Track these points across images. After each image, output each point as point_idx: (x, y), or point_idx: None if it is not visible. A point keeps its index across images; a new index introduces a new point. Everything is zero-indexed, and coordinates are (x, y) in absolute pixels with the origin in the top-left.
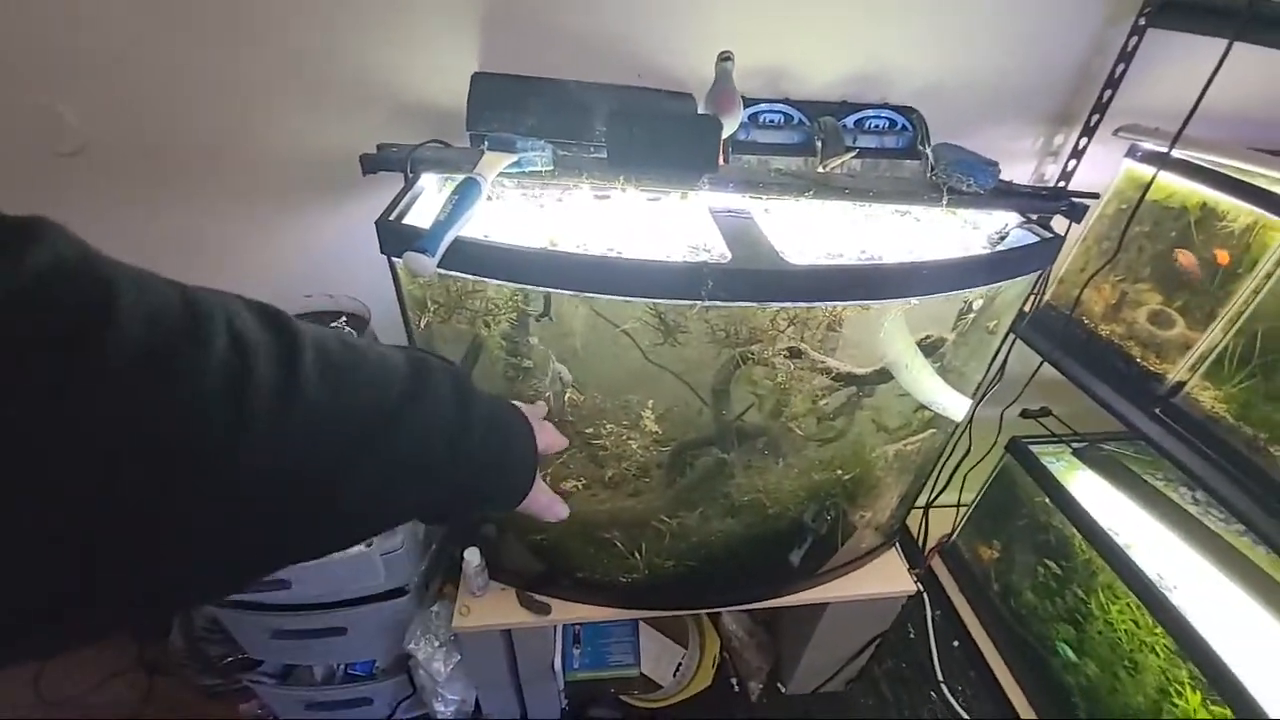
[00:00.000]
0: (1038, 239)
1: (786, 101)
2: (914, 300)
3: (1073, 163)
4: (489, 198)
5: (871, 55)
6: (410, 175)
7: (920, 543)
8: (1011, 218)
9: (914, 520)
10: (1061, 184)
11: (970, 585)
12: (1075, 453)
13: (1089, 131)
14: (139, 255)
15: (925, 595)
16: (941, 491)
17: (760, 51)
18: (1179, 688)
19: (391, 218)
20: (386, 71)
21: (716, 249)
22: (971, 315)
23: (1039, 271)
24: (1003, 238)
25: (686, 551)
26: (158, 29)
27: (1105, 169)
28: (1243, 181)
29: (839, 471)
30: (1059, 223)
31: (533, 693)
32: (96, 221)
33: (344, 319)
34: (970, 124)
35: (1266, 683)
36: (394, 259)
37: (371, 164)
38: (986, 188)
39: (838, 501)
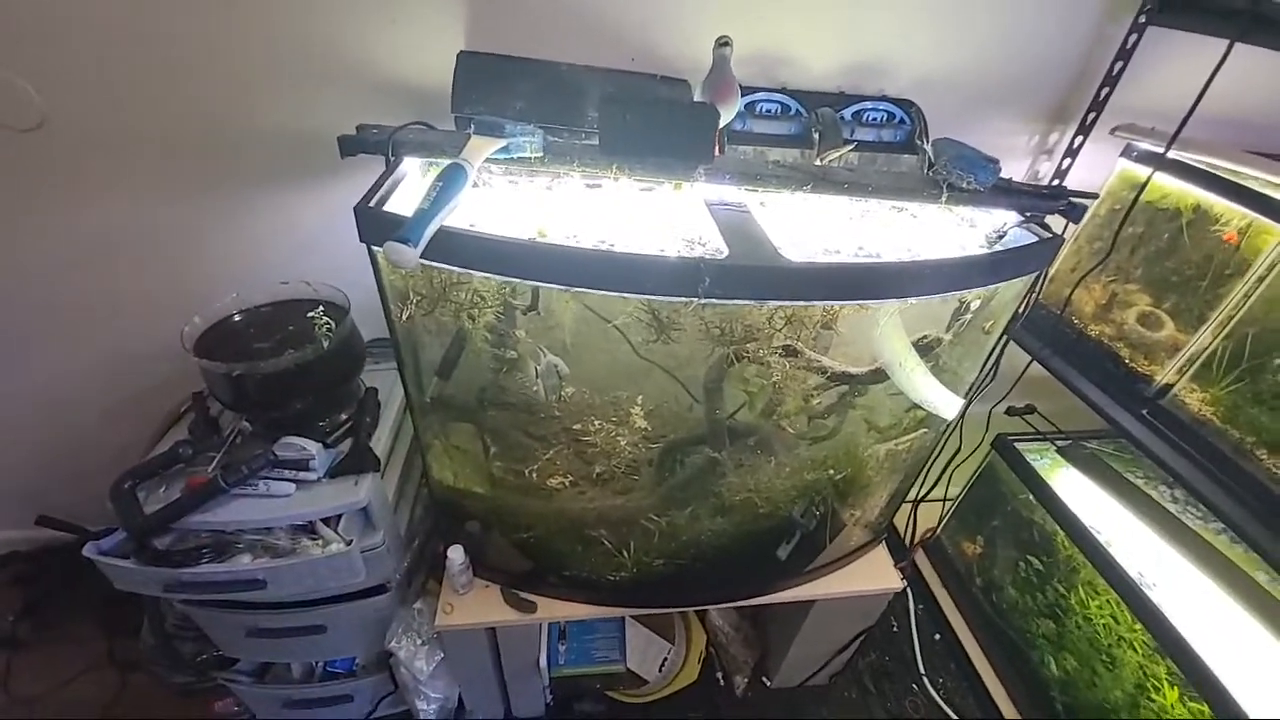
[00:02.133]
0: (1036, 239)
1: (784, 91)
2: (912, 300)
3: (1067, 161)
4: (474, 184)
5: (870, 43)
6: (391, 159)
7: (909, 537)
8: (1010, 216)
9: (901, 515)
10: (1056, 182)
11: (953, 580)
12: (1059, 450)
13: (1085, 129)
14: (104, 240)
15: (909, 589)
16: (932, 488)
17: (757, 36)
18: (1156, 684)
19: (372, 204)
20: (367, 48)
21: (712, 243)
22: (969, 316)
23: (1037, 272)
24: (1001, 237)
25: (675, 550)
26: None
27: (1100, 168)
28: (1237, 184)
29: (830, 471)
30: (1056, 222)
31: (517, 690)
32: (59, 203)
33: (320, 308)
34: (964, 118)
35: (1242, 679)
36: (374, 248)
37: (350, 146)
38: (986, 185)
39: (828, 500)
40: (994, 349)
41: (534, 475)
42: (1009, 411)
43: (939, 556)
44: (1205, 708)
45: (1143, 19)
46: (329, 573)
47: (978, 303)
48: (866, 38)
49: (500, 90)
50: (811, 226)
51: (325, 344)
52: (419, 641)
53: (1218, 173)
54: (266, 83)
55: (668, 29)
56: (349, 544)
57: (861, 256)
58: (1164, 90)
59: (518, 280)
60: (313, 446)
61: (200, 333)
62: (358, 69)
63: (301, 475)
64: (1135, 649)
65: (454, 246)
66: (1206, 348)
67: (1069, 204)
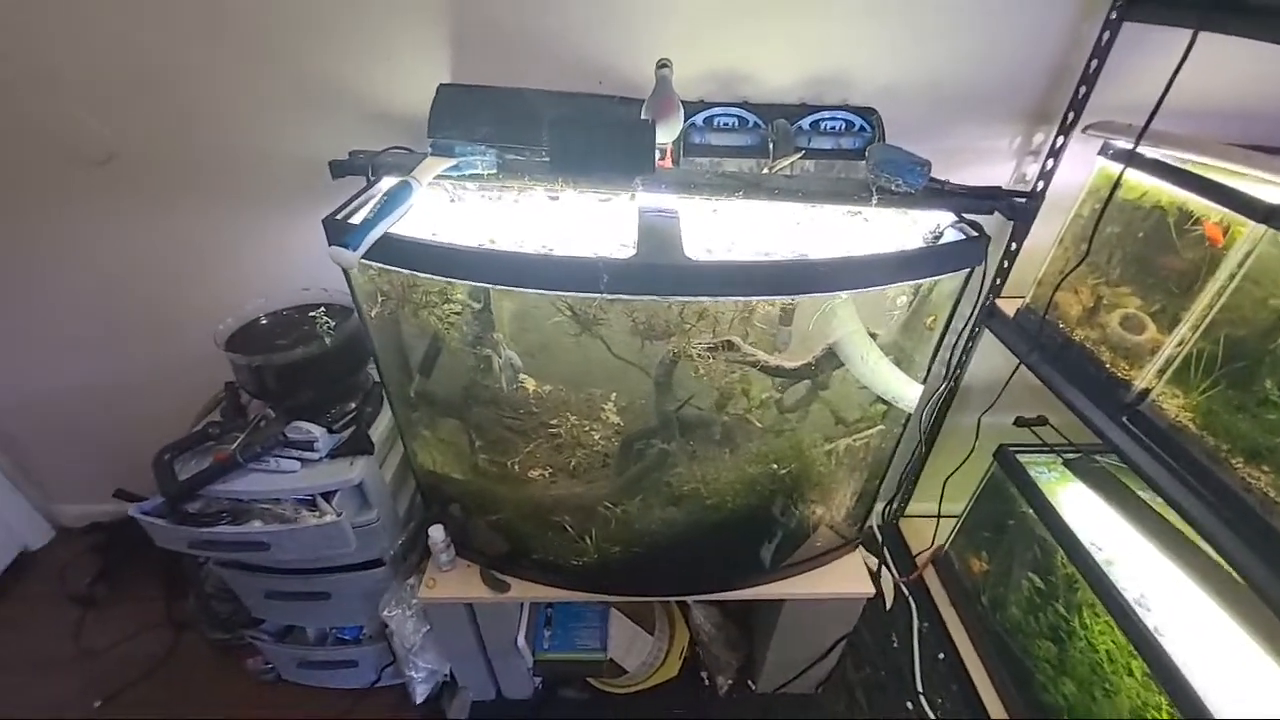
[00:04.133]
0: (965, 237)
1: (744, 105)
2: (842, 294)
3: (1050, 161)
4: (452, 200)
5: (832, 57)
6: (371, 178)
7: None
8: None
9: (909, 528)
10: (1041, 183)
11: (961, 597)
12: (1067, 464)
13: (1066, 129)
14: (162, 254)
15: (914, 606)
16: (940, 502)
17: (718, 56)
18: (1156, 713)
19: (339, 216)
20: (366, 82)
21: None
22: (897, 312)
23: (968, 269)
24: (937, 237)
25: (631, 538)
26: (180, 48)
27: (1085, 167)
28: (1208, 180)
29: (774, 465)
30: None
31: (502, 668)
32: (123, 225)
33: (323, 310)
34: (944, 124)
35: (1238, 707)
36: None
37: (340, 169)
38: (917, 187)
39: (778, 495)
40: (953, 345)
41: (514, 467)
42: (1017, 422)
43: (947, 573)
44: None
45: (1114, 15)
46: (323, 540)
47: (904, 298)
48: (827, 50)
49: (470, 116)
50: (759, 231)
51: (327, 341)
52: (408, 613)
53: (1193, 168)
54: (295, 119)
55: (631, 53)
56: (339, 515)
57: (794, 257)
58: (1142, 86)
59: (445, 279)
60: (318, 430)
61: (231, 332)
62: (365, 105)
63: (306, 455)
64: (1134, 675)
65: (395, 250)
66: (1181, 350)
67: (1009, 204)
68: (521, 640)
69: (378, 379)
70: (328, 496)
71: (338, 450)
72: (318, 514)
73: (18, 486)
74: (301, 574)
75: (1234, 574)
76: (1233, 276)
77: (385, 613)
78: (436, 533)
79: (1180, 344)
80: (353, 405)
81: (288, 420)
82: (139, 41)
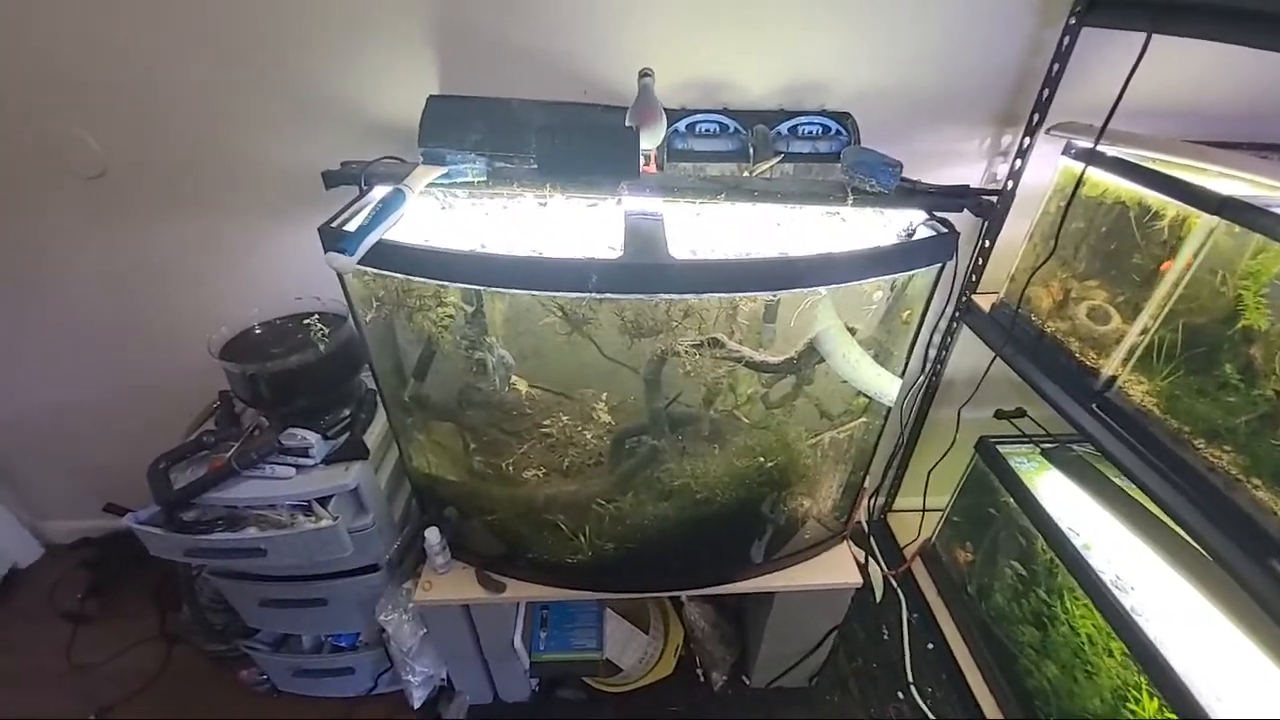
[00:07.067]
0: (935, 234)
1: (725, 111)
2: (822, 290)
3: (1018, 161)
4: (443, 207)
5: (809, 64)
6: (364, 187)
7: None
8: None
9: (898, 522)
10: (1010, 182)
11: (948, 588)
12: (1044, 453)
13: (1031, 130)
14: (154, 266)
15: (903, 598)
16: (925, 495)
17: (700, 64)
18: (1136, 694)
19: (334, 224)
20: (363, 98)
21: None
22: (874, 307)
23: (939, 265)
24: (910, 234)
25: (625, 534)
26: (172, 61)
27: (1052, 166)
28: (1163, 175)
29: (762, 459)
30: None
31: (499, 671)
32: (120, 239)
33: (316, 317)
34: (914, 128)
35: (1213, 684)
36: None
37: (332, 179)
38: (889, 188)
39: (767, 489)
40: (928, 340)
41: (508, 467)
42: (997, 414)
43: (935, 565)
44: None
45: (1073, 20)
46: (318, 545)
47: (880, 294)
48: (804, 58)
49: (460, 126)
50: (739, 232)
51: (321, 348)
52: (405, 616)
53: (1150, 164)
54: (287, 131)
55: (615, 63)
56: (335, 520)
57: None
58: (1102, 88)
59: (439, 282)
60: (313, 437)
61: (226, 341)
62: (349, 113)
63: (302, 461)
64: (1114, 656)
65: (390, 255)
66: (1144, 339)
67: (977, 201)
68: (518, 641)
69: (372, 385)
70: (323, 502)
71: (333, 456)
72: (314, 519)
73: (5, 504)
74: (297, 581)
75: (1203, 551)
76: (1189, 267)
77: (382, 617)
78: (432, 535)
79: (1144, 332)
80: (347, 411)
81: (283, 427)
82: (130, 54)
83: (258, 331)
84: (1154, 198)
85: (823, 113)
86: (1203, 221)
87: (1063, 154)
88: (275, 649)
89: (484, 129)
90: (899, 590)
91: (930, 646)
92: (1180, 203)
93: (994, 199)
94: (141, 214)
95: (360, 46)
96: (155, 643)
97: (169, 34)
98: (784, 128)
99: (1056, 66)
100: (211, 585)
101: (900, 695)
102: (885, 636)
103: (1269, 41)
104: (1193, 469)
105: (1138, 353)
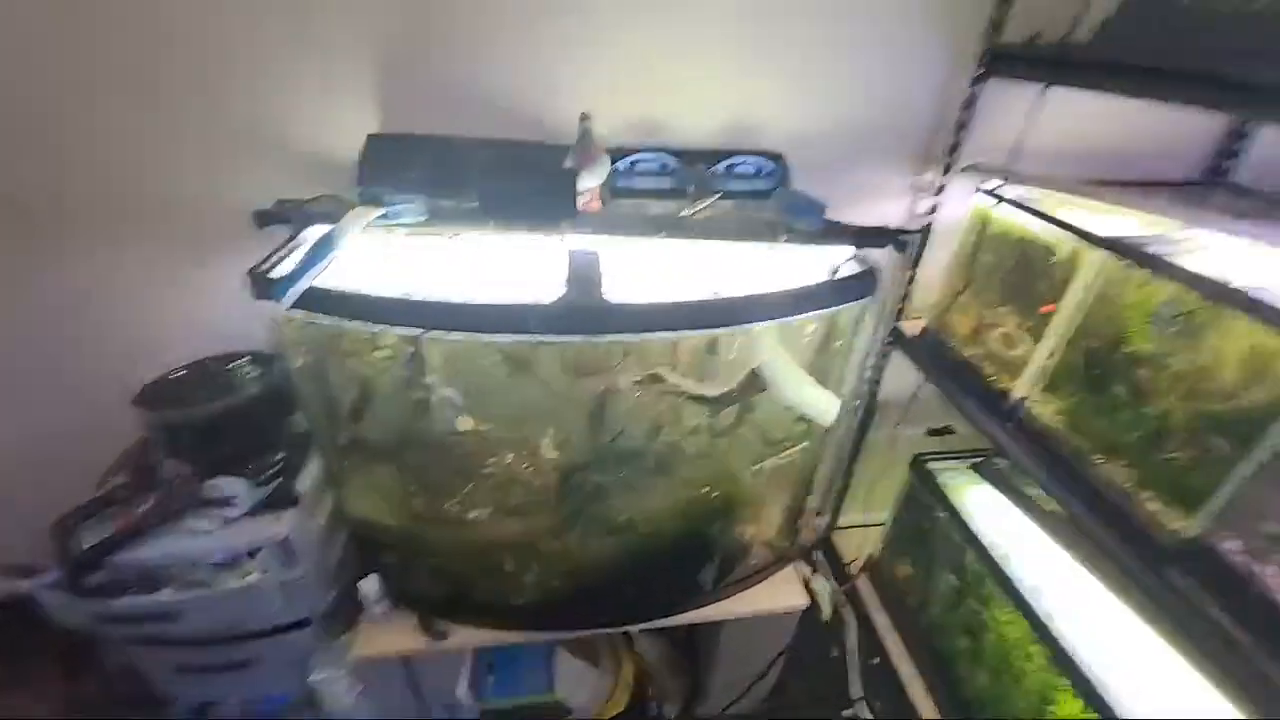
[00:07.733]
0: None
1: (665, 150)
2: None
3: (938, 198)
4: (383, 246)
5: (745, 107)
6: (297, 228)
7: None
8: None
9: (842, 541)
10: (930, 219)
11: (892, 602)
12: (973, 467)
13: (946, 170)
14: (69, 306)
15: (851, 615)
16: (864, 512)
17: (642, 106)
18: (1059, 694)
19: (264, 269)
20: (300, 136)
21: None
22: (807, 338)
23: (864, 300)
24: (835, 272)
25: (572, 570)
26: (80, 88)
27: (965, 204)
28: (1054, 217)
29: (707, 488)
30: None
31: None
32: (10, 276)
33: (247, 357)
34: (844, 166)
35: (1131, 684)
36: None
37: (264, 219)
38: (816, 226)
39: (713, 517)
40: (861, 365)
41: (451, 508)
42: (929, 432)
43: (879, 580)
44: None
45: (981, 71)
46: (244, 604)
47: (812, 327)
48: (740, 102)
49: (400, 165)
50: (680, 268)
51: (250, 390)
52: (341, 673)
53: (1049, 201)
54: (209, 164)
55: (559, 100)
56: (264, 573)
57: (711, 293)
58: (1009, 132)
59: (374, 327)
60: (239, 486)
61: (144, 385)
62: (285, 150)
63: (226, 512)
64: (1034, 660)
65: (322, 301)
66: (1050, 362)
67: (895, 239)
68: (464, 690)
69: (305, 428)
70: (253, 554)
71: (263, 504)
72: (238, 575)
73: None
74: (219, 644)
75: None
76: (1081, 300)
77: (315, 676)
78: (368, 585)
79: (1050, 356)
80: (279, 456)
81: (206, 476)
82: (46, 80)
83: (183, 373)
84: (1050, 233)
85: (757, 152)
86: (1092, 257)
87: (977, 192)
88: (199, 716)
89: (425, 166)
90: (845, 608)
91: (876, 661)
92: (1071, 238)
93: (912, 237)
94: (53, 247)
95: (298, 82)
96: (60, 717)
97: (91, 60)
98: (721, 167)
99: (967, 113)
100: (120, 652)
101: (844, 714)
102: (834, 655)
103: (1140, 91)
104: (1093, 483)
105: (1046, 376)
